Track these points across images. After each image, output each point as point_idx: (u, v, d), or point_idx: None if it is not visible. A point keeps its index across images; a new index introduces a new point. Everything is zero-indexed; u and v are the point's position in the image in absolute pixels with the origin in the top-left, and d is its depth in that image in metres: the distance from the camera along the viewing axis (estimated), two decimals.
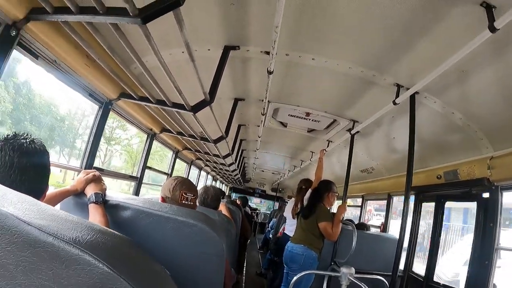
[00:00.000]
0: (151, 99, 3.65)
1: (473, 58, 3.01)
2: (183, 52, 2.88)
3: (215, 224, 2.17)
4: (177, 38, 2.54)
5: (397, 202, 7.53)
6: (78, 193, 2.24)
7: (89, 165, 3.79)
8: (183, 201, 2.72)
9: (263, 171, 17.11)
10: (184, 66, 2.99)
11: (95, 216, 2.04)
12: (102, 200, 2.13)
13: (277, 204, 20.65)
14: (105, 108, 3.87)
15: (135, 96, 3.73)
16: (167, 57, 3.63)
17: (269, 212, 19.24)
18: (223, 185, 19.39)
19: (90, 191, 2.18)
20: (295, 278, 4.21)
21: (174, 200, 2.72)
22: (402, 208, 5.63)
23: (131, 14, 1.94)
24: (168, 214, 2.08)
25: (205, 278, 2.12)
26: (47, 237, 0.80)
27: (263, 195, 24.65)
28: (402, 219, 3.84)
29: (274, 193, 22.38)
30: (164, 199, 2.77)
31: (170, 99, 3.61)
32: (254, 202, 25.63)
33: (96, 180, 2.29)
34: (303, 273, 4.31)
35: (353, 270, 4.24)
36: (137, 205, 2.13)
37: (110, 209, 2.14)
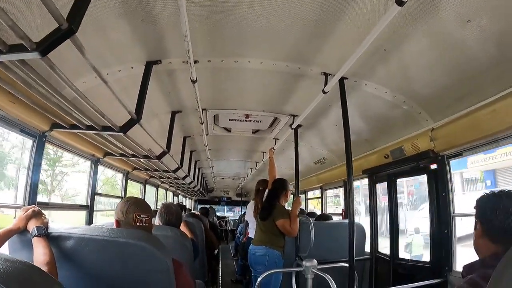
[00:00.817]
0: (81, 126, 3.62)
1: (392, 35, 3.09)
2: (107, 74, 2.85)
3: (158, 241, 2.19)
4: (100, 61, 2.54)
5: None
6: (22, 231, 2.24)
7: (31, 200, 3.69)
8: (138, 223, 2.61)
9: (223, 178, 17.07)
10: (113, 88, 2.96)
11: (39, 249, 2.05)
12: (44, 233, 2.14)
13: (243, 209, 20.69)
14: (39, 141, 3.80)
15: (66, 126, 3.69)
16: (93, 80, 3.58)
17: (237, 218, 19.24)
18: (187, 199, 19.25)
19: (32, 226, 2.18)
20: (259, 279, 4.19)
21: (128, 224, 2.61)
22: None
23: (29, 49, 1.95)
24: (108, 237, 2.10)
25: None
26: None
27: (229, 202, 24.50)
28: (348, 204, 3.88)
29: (239, 198, 22.34)
30: (118, 223, 2.65)
31: (99, 122, 3.59)
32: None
33: (37, 215, 2.29)
34: (266, 273, 4.29)
35: (315, 262, 4.25)
36: (79, 233, 2.15)
37: (54, 241, 2.15)
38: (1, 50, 2.02)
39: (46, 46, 1.95)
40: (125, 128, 3.65)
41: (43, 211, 2.38)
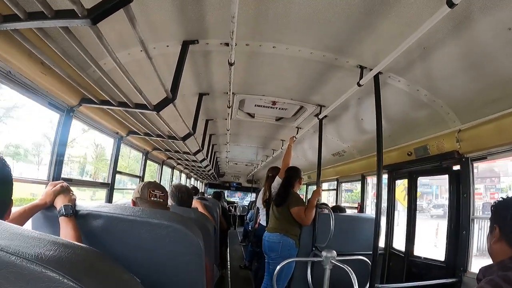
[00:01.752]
0: (112, 102, 3.55)
1: (434, 34, 3.06)
2: (141, 50, 2.80)
3: (191, 223, 2.16)
4: (134, 36, 2.47)
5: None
6: (48, 207, 2.18)
7: (56, 176, 3.65)
8: (152, 198, 2.86)
9: (236, 164, 17.06)
10: (145, 65, 2.92)
11: (66, 230, 1.99)
12: (72, 212, 2.06)
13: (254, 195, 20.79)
14: (67, 115, 3.73)
15: (96, 101, 3.61)
16: (126, 57, 3.58)
17: (247, 204, 19.31)
18: (198, 182, 19.31)
19: (60, 203, 2.11)
20: (278, 267, 4.24)
21: (143, 199, 2.85)
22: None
23: (80, 15, 1.86)
24: (141, 218, 2.05)
25: (186, 278, 2.11)
26: (9, 257, 0.76)
27: (239, 188, 24.62)
28: (376, 198, 3.86)
29: (250, 185, 22.40)
30: (134, 202, 2.91)
31: (132, 100, 3.54)
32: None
33: (65, 191, 2.22)
34: (285, 261, 4.32)
35: (334, 253, 4.28)
36: (109, 212, 2.08)
37: (82, 219, 2.08)
38: (46, 16, 1.93)
39: (99, 14, 1.88)
40: (160, 106, 3.59)
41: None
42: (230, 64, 3.62)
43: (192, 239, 2.03)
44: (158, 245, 2.05)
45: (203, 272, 2.16)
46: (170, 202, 4.07)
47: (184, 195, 4.13)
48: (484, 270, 1.96)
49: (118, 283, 0.99)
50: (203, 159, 8.71)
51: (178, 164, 10.47)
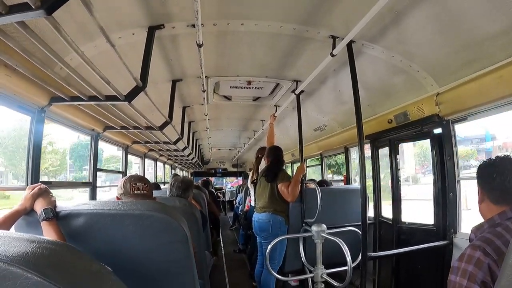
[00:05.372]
0: (83, 98, 3.46)
1: None
2: (106, 42, 2.72)
3: (174, 211, 2.14)
4: (97, 26, 2.39)
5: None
6: (28, 212, 2.14)
7: (34, 180, 3.57)
8: (135, 191, 2.91)
9: (219, 149, 17.13)
10: (113, 56, 2.83)
11: (49, 234, 1.96)
12: (52, 215, 2.03)
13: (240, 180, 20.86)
14: (38, 116, 3.62)
15: (66, 98, 3.51)
16: (92, 49, 3.49)
17: (235, 189, 19.34)
18: (183, 171, 19.27)
19: (39, 206, 2.08)
20: (269, 246, 4.25)
21: (127, 193, 2.91)
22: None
23: (33, 7, 1.78)
24: (122, 210, 2.03)
25: (176, 266, 2.11)
26: None
27: (225, 173, 24.63)
28: (360, 168, 3.85)
29: (235, 169, 22.44)
30: (119, 198, 2.93)
31: (102, 92, 3.45)
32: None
33: (43, 193, 2.18)
34: (276, 239, 4.33)
35: (324, 227, 4.29)
36: (90, 209, 2.05)
37: (63, 220, 2.05)
38: (0, 12, 1.85)
39: (53, 2, 1.80)
40: (131, 96, 3.49)
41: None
42: (199, 46, 3.55)
43: (176, 226, 2.02)
44: (143, 235, 2.03)
45: (191, 258, 2.14)
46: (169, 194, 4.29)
47: (180, 184, 4.32)
48: (476, 229, 2.07)
49: (86, 274, 0.97)
50: (185, 148, 8.65)
51: (161, 155, 10.43)
